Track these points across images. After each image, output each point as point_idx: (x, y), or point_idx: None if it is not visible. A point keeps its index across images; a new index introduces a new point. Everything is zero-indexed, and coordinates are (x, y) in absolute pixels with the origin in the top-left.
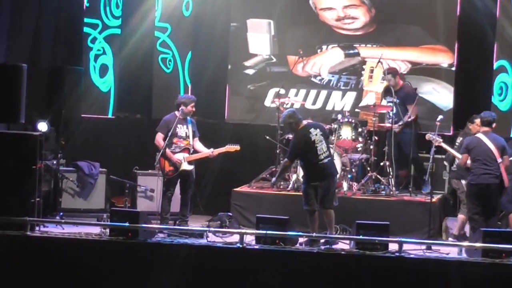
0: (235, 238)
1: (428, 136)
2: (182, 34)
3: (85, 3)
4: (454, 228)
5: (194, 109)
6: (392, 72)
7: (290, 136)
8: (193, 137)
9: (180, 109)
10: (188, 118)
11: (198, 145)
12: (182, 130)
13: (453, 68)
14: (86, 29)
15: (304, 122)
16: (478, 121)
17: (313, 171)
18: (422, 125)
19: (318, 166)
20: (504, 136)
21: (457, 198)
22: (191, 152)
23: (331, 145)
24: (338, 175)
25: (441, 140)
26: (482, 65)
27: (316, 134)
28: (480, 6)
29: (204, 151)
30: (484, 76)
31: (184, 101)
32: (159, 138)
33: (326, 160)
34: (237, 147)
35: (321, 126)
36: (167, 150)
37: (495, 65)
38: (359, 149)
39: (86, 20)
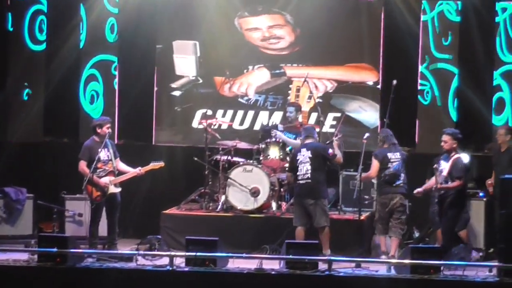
0: (165, 260)
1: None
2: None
3: (9, 28)
4: (383, 247)
5: (110, 130)
6: (296, 106)
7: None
8: (115, 158)
9: (97, 132)
10: (107, 140)
11: (122, 166)
12: (104, 153)
13: (379, 86)
14: None
15: (308, 141)
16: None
17: (295, 188)
18: (349, 143)
19: (296, 184)
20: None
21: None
22: (116, 174)
23: (258, 164)
24: (324, 199)
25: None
26: (407, 83)
27: (303, 155)
28: (403, 25)
29: (130, 170)
30: (409, 94)
31: (99, 123)
32: (83, 165)
33: (302, 181)
34: (161, 164)
35: (317, 149)
36: (93, 176)
37: (420, 82)
38: (287, 169)
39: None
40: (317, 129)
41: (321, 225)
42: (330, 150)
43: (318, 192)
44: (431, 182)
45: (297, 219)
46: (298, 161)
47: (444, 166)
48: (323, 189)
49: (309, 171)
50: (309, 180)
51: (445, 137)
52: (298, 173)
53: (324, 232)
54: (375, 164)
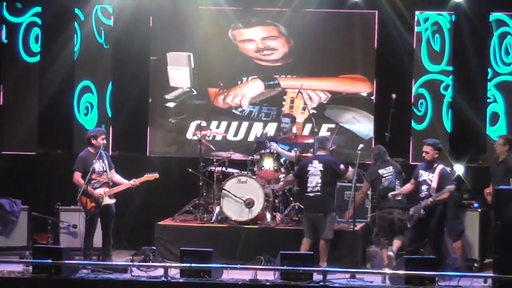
0: (160, 272)
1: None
2: (102, 68)
3: (3, 40)
4: (385, 259)
5: (105, 141)
6: (291, 117)
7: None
8: (109, 169)
9: (91, 143)
10: (102, 151)
11: (117, 177)
12: (98, 165)
13: (373, 97)
14: None
15: (320, 152)
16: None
17: (304, 200)
18: (343, 154)
19: (305, 196)
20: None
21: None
22: (110, 185)
23: (253, 176)
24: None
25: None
26: (401, 94)
27: (314, 167)
28: (397, 36)
29: (125, 182)
30: (403, 105)
31: (94, 135)
32: (78, 176)
33: (311, 194)
34: (156, 175)
35: (328, 163)
36: (88, 187)
37: (414, 92)
38: (281, 180)
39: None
40: (311, 140)
41: (328, 237)
42: (341, 166)
43: (327, 205)
44: (406, 187)
45: (305, 232)
46: (309, 172)
47: (426, 177)
48: (332, 202)
49: (319, 184)
50: (319, 193)
51: (426, 148)
52: (308, 185)
53: (327, 244)
54: (364, 185)
